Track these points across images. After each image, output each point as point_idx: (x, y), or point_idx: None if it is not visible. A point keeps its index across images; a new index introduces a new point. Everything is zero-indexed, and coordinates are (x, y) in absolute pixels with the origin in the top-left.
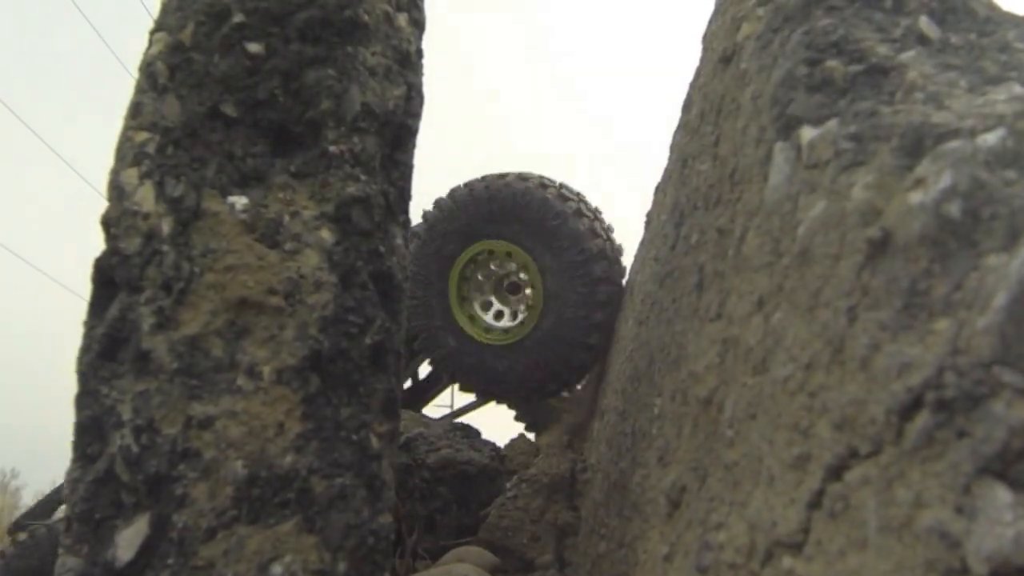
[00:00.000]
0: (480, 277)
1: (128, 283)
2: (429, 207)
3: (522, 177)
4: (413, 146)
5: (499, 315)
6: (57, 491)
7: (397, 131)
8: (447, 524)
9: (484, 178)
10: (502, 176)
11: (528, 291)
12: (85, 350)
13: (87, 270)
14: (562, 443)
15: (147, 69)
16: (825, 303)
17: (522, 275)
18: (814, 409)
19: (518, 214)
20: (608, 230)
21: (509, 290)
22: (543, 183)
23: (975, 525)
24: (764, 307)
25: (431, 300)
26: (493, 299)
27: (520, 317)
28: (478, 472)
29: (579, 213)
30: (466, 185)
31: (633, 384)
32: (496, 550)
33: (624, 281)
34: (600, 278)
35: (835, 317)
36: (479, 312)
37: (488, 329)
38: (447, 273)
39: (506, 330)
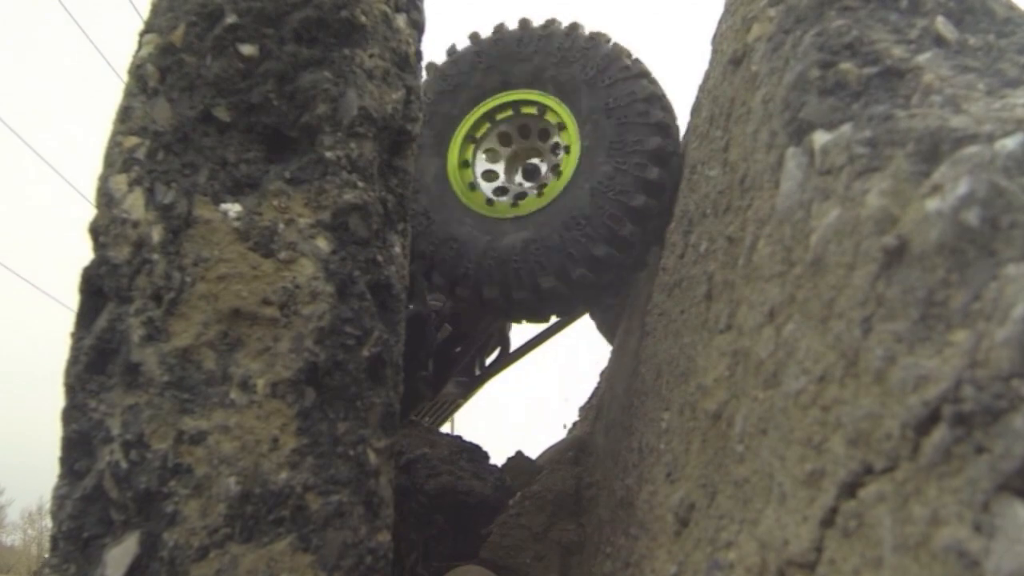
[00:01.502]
0: (491, 137)
1: (117, 293)
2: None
3: (583, 27)
4: (413, 152)
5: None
6: None
7: (396, 136)
8: (442, 552)
9: (548, 21)
10: (546, 24)
11: (554, 154)
12: (72, 362)
13: (74, 279)
14: (566, 459)
15: (136, 71)
16: (839, 314)
17: (551, 136)
18: (827, 424)
19: (576, 60)
20: (673, 108)
21: (527, 171)
22: (607, 38)
23: (994, 543)
24: (775, 318)
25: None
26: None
27: (545, 181)
28: (477, 503)
29: (649, 79)
30: (520, 23)
31: (640, 398)
32: (498, 569)
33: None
34: (658, 150)
35: (849, 328)
36: (480, 178)
37: (491, 202)
38: (452, 129)
39: (519, 197)
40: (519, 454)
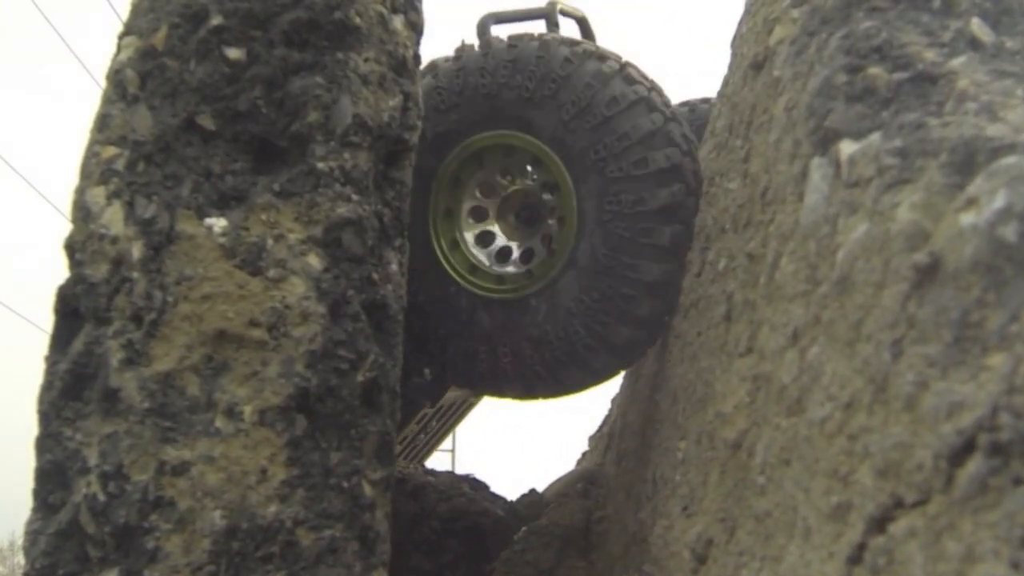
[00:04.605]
0: (479, 188)
1: (94, 314)
2: None
3: (566, 42)
4: (410, 162)
5: (503, 254)
6: None
7: (392, 146)
8: None
9: (515, 37)
10: (538, 37)
11: (552, 221)
12: (47, 388)
13: (49, 299)
14: (575, 491)
15: (115, 77)
16: (867, 336)
17: (546, 195)
18: (855, 454)
19: (551, 94)
20: (689, 141)
21: (525, 219)
22: (600, 55)
23: None
24: (799, 341)
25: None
26: (496, 227)
27: (535, 260)
28: (493, 525)
29: (650, 106)
30: (483, 44)
31: (654, 426)
32: None
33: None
34: (668, 206)
35: (878, 352)
36: (468, 245)
37: (474, 270)
38: (432, 177)
39: (504, 278)
40: (532, 492)
